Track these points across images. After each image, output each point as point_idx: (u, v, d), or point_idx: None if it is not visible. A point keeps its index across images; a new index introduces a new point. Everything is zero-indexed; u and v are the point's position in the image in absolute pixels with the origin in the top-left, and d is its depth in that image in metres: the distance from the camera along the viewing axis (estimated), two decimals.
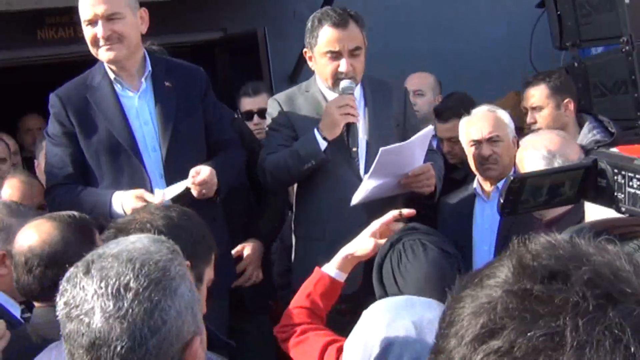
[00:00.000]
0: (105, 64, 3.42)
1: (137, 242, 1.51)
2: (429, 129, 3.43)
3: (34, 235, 2.44)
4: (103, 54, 3.35)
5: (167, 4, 6.28)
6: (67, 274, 1.48)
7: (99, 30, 3.29)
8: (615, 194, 1.35)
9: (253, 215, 4.15)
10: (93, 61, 3.50)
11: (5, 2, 6.15)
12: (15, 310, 2.76)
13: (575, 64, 4.95)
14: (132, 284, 1.40)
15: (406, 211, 2.80)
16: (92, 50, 3.37)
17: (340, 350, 2.38)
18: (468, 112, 3.83)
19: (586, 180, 1.38)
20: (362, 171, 3.56)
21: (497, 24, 7.38)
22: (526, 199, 1.38)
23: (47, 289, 2.33)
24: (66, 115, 3.38)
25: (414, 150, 3.39)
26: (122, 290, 1.40)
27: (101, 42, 3.31)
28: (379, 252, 2.58)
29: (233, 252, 3.91)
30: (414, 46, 7.15)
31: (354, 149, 3.44)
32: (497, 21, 7.41)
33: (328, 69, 3.55)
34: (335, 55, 3.52)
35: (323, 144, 3.47)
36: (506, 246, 0.92)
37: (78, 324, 1.40)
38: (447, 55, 7.16)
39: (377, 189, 3.39)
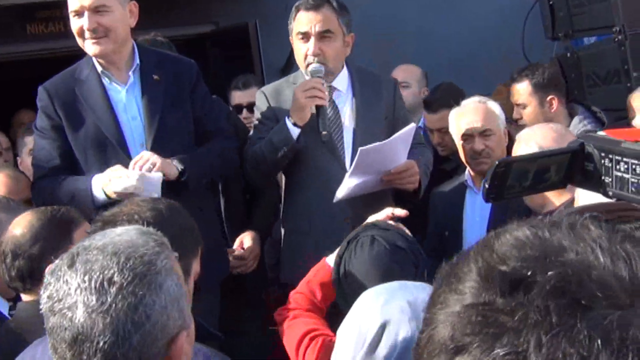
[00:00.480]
0: (93, 57, 3.39)
1: (123, 234, 1.49)
2: (411, 127, 3.41)
3: (10, 229, 2.45)
4: (89, 47, 3.31)
5: None
6: (52, 267, 1.46)
7: (85, 21, 3.25)
8: (603, 177, 1.32)
9: (249, 210, 4.16)
10: (84, 56, 3.47)
11: None
12: (4, 307, 2.76)
13: (568, 54, 4.92)
14: (116, 278, 1.38)
15: (399, 211, 2.77)
16: (79, 42, 3.34)
17: (313, 340, 2.36)
18: (458, 103, 3.81)
19: (573, 164, 1.36)
20: (347, 163, 3.53)
21: (490, 14, 7.36)
22: (512, 184, 1.36)
23: (27, 283, 2.34)
24: (54, 108, 3.35)
25: (396, 148, 3.37)
26: (105, 284, 1.38)
27: (87, 35, 3.27)
28: (338, 250, 2.56)
29: (235, 246, 3.90)
30: (403, 39, 7.12)
31: (324, 132, 3.41)
32: (490, 11, 7.38)
33: (300, 52, 3.56)
34: (305, 37, 3.52)
35: (294, 130, 3.44)
36: None
37: (61, 318, 1.38)
38: (437, 46, 7.14)
39: (360, 185, 3.37)
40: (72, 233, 2.46)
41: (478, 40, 7.29)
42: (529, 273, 0.77)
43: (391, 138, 3.34)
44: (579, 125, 4.08)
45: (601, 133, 1.35)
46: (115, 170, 3.14)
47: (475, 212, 3.69)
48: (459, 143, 3.77)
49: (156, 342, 1.39)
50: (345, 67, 3.68)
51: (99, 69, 3.38)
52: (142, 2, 3.49)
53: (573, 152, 1.36)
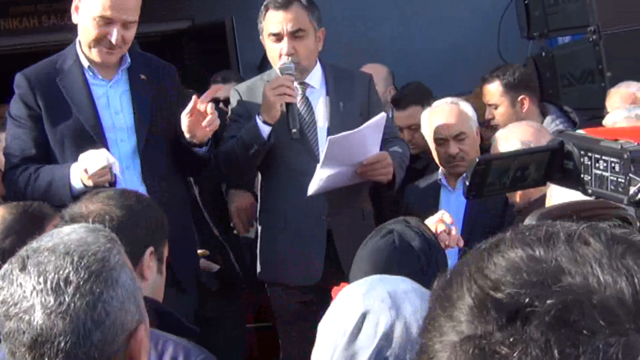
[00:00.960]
0: (79, 50, 3.33)
1: (72, 233, 1.48)
2: (381, 116, 3.39)
3: None
4: (97, 55, 3.26)
5: None
6: (2, 272, 1.44)
7: (113, 34, 3.18)
8: (582, 176, 1.33)
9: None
10: (58, 51, 3.42)
11: None
12: None
13: (543, 54, 4.96)
14: (72, 278, 1.37)
15: (447, 217, 2.71)
16: (84, 46, 3.28)
17: None
18: (426, 99, 3.82)
19: (552, 162, 1.37)
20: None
21: (465, 14, 7.39)
22: (492, 181, 1.37)
23: None
24: (34, 98, 3.27)
25: (367, 138, 3.36)
26: (62, 284, 1.37)
27: (106, 45, 3.22)
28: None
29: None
30: (377, 40, 7.13)
31: (294, 130, 3.40)
32: (465, 11, 7.41)
33: (273, 53, 3.54)
34: (277, 38, 3.50)
35: (264, 128, 3.41)
36: (472, 237, 0.86)
37: (18, 322, 1.36)
38: (412, 47, 7.15)
39: (333, 178, 3.36)
40: (45, 227, 2.43)
41: (453, 42, 7.32)
42: (526, 301, 0.73)
43: (361, 127, 3.32)
44: (551, 125, 4.10)
45: (580, 132, 1.36)
46: (86, 154, 3.10)
47: (451, 210, 3.68)
48: (432, 145, 3.77)
49: (116, 338, 1.39)
50: (318, 64, 3.66)
51: (85, 63, 3.32)
52: None
53: (553, 150, 1.37)
